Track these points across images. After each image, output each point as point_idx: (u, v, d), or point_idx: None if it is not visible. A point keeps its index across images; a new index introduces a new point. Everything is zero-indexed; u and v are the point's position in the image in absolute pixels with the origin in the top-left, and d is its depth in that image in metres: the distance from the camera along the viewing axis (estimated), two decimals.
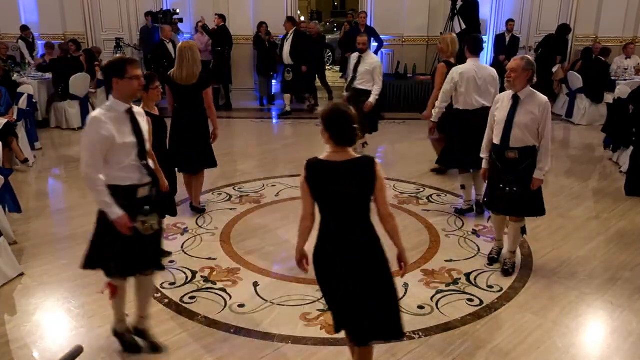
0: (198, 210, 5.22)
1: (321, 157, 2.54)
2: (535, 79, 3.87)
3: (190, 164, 5.03)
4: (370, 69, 6.39)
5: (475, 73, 4.86)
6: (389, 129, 8.56)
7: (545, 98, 3.82)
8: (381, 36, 9.82)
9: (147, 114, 3.33)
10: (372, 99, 6.36)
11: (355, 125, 2.50)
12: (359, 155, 2.55)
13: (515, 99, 3.83)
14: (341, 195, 2.48)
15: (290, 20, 9.65)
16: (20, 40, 10.44)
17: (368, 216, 2.55)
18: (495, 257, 4.31)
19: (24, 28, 10.42)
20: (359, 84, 6.46)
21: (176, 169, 4.81)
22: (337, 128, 2.49)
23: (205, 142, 5.03)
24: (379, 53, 10.19)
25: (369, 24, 10.10)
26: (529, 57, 3.88)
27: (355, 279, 2.51)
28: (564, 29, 9.88)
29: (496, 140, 3.92)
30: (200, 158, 5.04)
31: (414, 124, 8.63)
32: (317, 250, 2.57)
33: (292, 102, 9.94)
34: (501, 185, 3.91)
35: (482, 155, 4.14)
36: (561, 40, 9.87)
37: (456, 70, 4.95)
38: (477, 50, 5.03)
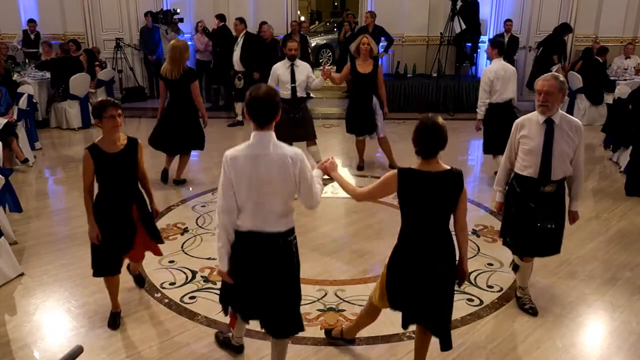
0: (179, 182, 6.04)
1: (414, 166, 2.63)
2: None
3: (180, 144, 5.92)
4: (305, 78, 5.93)
5: (504, 71, 5.85)
6: (389, 129, 8.53)
7: (577, 120, 3.40)
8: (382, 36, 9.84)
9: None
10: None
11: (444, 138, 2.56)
12: (449, 167, 2.61)
13: (550, 124, 3.31)
14: (431, 205, 2.60)
15: (242, 21, 8.76)
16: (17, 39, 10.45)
17: (447, 225, 2.69)
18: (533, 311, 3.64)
19: (31, 21, 10.39)
20: (299, 93, 5.96)
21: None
22: (425, 141, 2.56)
23: (195, 127, 5.91)
24: (388, 52, 10.22)
25: (365, 24, 10.10)
26: (557, 74, 3.40)
27: (425, 285, 2.68)
28: (562, 28, 9.88)
29: (529, 173, 3.35)
30: (188, 140, 5.92)
31: (414, 124, 8.59)
32: (397, 254, 2.73)
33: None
34: (538, 224, 3.39)
35: (496, 188, 3.64)
36: (559, 39, 9.86)
37: (490, 70, 5.90)
38: (502, 51, 6.02)
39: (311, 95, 11.46)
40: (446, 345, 2.77)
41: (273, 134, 2.58)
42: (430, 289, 2.67)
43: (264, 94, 2.55)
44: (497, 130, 5.63)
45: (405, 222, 2.68)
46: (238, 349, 3.18)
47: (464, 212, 2.66)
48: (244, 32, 8.60)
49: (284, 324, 2.79)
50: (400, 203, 2.67)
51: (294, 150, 2.60)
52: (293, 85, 5.86)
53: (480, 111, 6.02)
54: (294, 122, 5.79)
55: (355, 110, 6.46)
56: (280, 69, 5.92)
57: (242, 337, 3.19)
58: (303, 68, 5.97)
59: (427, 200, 2.59)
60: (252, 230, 2.60)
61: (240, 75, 8.53)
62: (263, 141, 2.56)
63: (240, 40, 8.52)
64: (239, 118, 8.89)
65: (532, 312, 3.59)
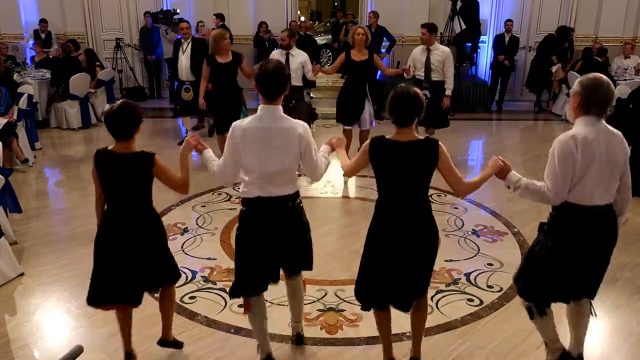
0: None
1: (387, 136, 2.68)
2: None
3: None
4: (304, 61, 6.24)
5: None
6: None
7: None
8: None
9: None
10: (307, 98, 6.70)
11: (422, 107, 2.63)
12: (422, 137, 2.68)
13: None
14: (403, 175, 2.63)
15: (187, 23, 7.64)
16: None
17: (426, 195, 2.72)
18: None
19: (43, 21, 10.36)
20: (294, 81, 5.98)
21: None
22: (399, 110, 2.62)
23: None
24: (390, 52, 10.23)
25: (367, 23, 10.10)
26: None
27: (401, 254, 2.67)
28: (562, 31, 9.86)
29: (594, 201, 2.61)
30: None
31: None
32: (373, 221, 2.77)
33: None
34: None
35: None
36: (560, 41, 9.85)
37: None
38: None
39: (311, 95, 11.49)
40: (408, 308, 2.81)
41: (280, 108, 2.75)
42: (402, 264, 2.67)
43: (274, 67, 2.71)
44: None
45: (379, 192, 2.73)
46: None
47: (455, 177, 2.68)
48: (191, 37, 7.47)
49: (297, 263, 3.03)
50: (375, 172, 2.72)
51: (302, 124, 2.79)
52: (288, 72, 5.89)
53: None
54: (288, 110, 5.78)
55: (345, 98, 6.43)
56: (275, 55, 6.17)
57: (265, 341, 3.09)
58: (298, 56, 6.16)
59: (398, 169, 2.62)
60: (260, 196, 2.76)
61: (188, 86, 7.33)
62: (272, 114, 2.73)
63: (187, 47, 7.33)
64: (190, 134, 7.39)
65: None
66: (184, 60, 7.29)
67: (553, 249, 2.67)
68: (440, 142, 2.65)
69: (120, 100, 2.82)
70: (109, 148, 2.80)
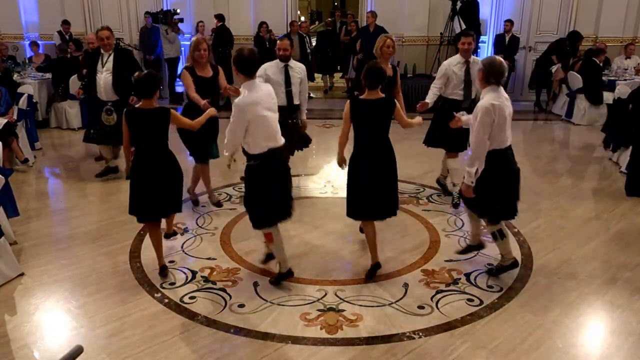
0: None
1: (361, 97, 3.80)
2: None
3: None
4: (302, 76, 5.29)
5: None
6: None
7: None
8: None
9: None
10: (304, 117, 5.47)
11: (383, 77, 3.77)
12: (384, 96, 3.78)
13: None
14: (372, 122, 3.79)
15: (112, 32, 6.09)
16: (55, 33, 10.33)
17: (387, 133, 3.87)
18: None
19: (65, 22, 10.29)
20: (295, 99, 5.28)
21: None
22: (370, 78, 3.72)
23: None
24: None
25: (366, 23, 10.11)
26: None
27: (377, 175, 3.85)
28: (573, 37, 9.86)
29: (506, 144, 3.80)
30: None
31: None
32: (353, 156, 3.87)
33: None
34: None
35: None
36: (570, 46, 9.84)
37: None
38: None
39: (311, 95, 11.52)
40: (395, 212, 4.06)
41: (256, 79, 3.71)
42: (380, 182, 3.84)
43: (248, 51, 3.65)
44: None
45: (356, 135, 3.84)
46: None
47: (402, 117, 3.97)
48: (114, 47, 6.09)
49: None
50: (352, 122, 3.80)
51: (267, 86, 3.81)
52: (288, 89, 5.14)
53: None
54: (287, 127, 4.76)
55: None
56: (271, 68, 5.12)
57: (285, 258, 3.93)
58: (297, 70, 5.23)
59: (369, 118, 3.77)
60: (271, 147, 3.64)
61: (110, 107, 5.98)
62: (257, 85, 3.68)
63: (108, 59, 5.97)
64: (112, 164, 6.40)
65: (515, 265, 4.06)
66: (104, 75, 5.94)
67: (489, 180, 3.74)
68: (395, 100, 3.89)
69: (146, 71, 4.04)
70: (136, 106, 3.84)
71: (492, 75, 3.65)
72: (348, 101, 3.83)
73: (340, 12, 13.73)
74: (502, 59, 3.73)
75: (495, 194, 3.79)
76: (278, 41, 5.39)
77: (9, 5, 10.74)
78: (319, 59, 11.63)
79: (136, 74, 4.90)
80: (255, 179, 3.69)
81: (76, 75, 8.21)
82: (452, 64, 5.26)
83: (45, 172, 6.86)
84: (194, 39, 5.34)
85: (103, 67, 5.97)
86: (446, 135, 5.13)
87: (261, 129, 3.59)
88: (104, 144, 6.29)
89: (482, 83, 3.74)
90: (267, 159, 3.64)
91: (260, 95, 3.61)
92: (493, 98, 3.60)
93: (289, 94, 5.16)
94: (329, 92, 12.27)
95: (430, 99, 5.31)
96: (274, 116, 3.71)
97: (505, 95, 3.73)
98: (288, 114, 5.17)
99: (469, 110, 4.59)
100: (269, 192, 3.68)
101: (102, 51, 6.01)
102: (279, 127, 3.74)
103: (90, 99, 6.28)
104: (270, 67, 5.15)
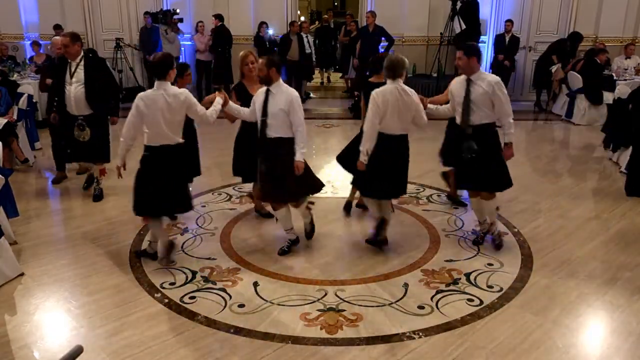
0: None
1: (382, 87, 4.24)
2: None
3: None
4: (285, 108, 4.06)
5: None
6: None
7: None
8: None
9: None
10: (299, 157, 4.12)
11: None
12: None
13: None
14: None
15: (74, 38, 5.24)
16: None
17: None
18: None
19: (57, 27, 10.29)
20: (272, 132, 4.10)
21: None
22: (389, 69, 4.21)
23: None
24: (389, 51, 10.24)
25: (365, 23, 10.11)
26: None
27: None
28: (574, 37, 9.87)
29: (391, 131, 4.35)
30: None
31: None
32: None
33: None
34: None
35: None
36: (571, 46, 9.87)
37: None
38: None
39: (311, 95, 11.53)
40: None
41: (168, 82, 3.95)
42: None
43: (160, 56, 4.01)
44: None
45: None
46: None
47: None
48: (82, 54, 5.34)
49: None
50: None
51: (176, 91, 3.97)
52: (263, 119, 4.11)
53: None
54: (263, 171, 4.22)
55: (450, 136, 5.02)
56: (259, 93, 4.23)
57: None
58: (282, 97, 4.07)
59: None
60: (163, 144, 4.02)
61: (81, 122, 5.31)
62: (162, 85, 3.93)
63: (77, 69, 5.26)
64: (97, 189, 5.71)
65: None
66: (75, 87, 5.24)
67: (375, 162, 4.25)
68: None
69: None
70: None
71: (385, 70, 4.24)
72: (374, 92, 4.19)
73: (332, 13, 13.93)
74: (397, 57, 4.27)
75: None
76: (241, 55, 4.69)
77: (9, 5, 10.74)
78: (315, 54, 12.05)
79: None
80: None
81: (38, 84, 7.26)
82: (458, 79, 4.40)
83: (45, 172, 6.85)
84: (241, 53, 4.74)
85: (72, 77, 5.24)
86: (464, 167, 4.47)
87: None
88: (82, 161, 5.86)
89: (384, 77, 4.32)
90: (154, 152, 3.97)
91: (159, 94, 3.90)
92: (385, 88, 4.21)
93: (262, 125, 4.13)
94: (324, 84, 13.09)
95: (437, 108, 4.57)
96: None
97: (405, 88, 4.21)
98: (262, 150, 4.21)
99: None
100: (149, 182, 4.00)
101: (69, 61, 5.28)
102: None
103: (59, 112, 5.52)
104: (260, 91, 4.24)
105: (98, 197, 5.68)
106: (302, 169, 4.16)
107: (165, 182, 4.01)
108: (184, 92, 3.97)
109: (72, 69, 5.27)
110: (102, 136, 5.48)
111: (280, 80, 4.16)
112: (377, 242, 4.49)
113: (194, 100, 4.04)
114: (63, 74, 5.31)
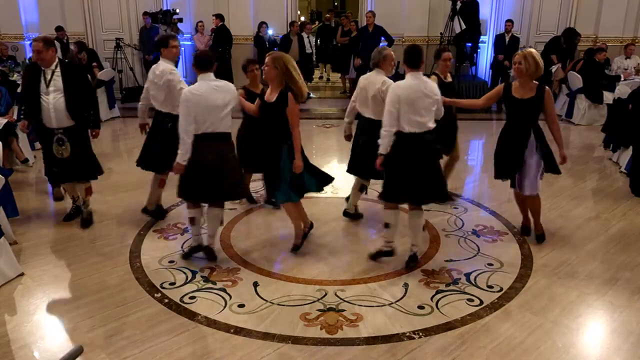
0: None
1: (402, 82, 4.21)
2: None
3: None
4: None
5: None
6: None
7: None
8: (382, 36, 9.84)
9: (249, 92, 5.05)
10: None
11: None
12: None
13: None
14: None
15: (48, 43, 4.61)
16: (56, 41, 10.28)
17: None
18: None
19: (59, 28, 10.27)
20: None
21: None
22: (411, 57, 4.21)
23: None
24: None
25: (365, 23, 10.11)
26: None
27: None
28: (569, 33, 9.86)
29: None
30: None
31: None
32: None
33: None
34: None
35: None
36: (566, 43, 9.86)
37: None
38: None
39: (311, 95, 11.53)
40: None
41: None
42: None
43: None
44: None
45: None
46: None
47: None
48: (57, 61, 4.67)
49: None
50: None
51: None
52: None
53: None
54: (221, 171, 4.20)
55: (504, 146, 4.56)
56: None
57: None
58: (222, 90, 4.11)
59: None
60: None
61: (61, 136, 4.69)
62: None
63: (53, 76, 4.61)
64: (86, 213, 5.08)
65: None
66: (54, 97, 4.60)
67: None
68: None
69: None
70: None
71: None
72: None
73: (334, 13, 14.00)
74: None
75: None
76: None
77: (9, 5, 10.74)
78: (316, 52, 12.51)
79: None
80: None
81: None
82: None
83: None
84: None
85: (48, 86, 4.60)
86: None
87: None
88: (68, 181, 5.04)
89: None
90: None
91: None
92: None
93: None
94: (322, 77, 13.66)
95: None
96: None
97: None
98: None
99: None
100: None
101: (42, 68, 4.63)
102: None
103: (35, 126, 4.87)
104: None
105: (87, 222, 5.01)
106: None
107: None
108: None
109: (48, 77, 4.61)
110: (84, 151, 4.84)
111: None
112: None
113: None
114: (37, 83, 4.62)
